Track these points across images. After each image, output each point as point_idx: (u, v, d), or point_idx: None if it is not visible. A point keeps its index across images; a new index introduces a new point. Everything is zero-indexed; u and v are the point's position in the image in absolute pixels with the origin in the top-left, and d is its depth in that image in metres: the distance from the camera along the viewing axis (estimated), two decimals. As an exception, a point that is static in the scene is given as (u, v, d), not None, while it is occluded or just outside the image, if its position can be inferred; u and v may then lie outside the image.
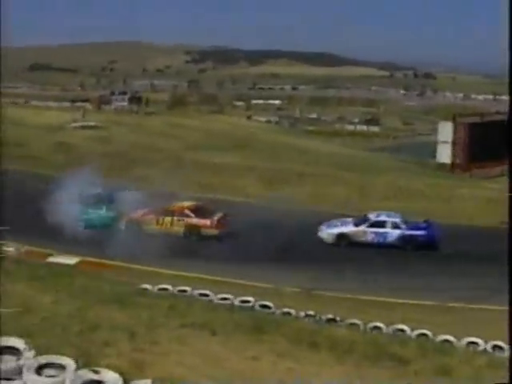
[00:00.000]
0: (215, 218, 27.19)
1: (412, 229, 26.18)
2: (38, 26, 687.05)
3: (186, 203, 28.34)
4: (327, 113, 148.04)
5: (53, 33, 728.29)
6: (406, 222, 26.46)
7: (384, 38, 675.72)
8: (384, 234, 26.19)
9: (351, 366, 8.65)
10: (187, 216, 27.23)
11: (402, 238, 26.02)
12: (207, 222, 26.95)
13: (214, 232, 26.64)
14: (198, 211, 27.64)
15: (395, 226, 26.20)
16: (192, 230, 26.95)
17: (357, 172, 44.82)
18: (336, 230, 26.85)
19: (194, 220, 27.14)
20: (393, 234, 26.13)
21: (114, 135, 55.66)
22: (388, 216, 26.81)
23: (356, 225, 26.83)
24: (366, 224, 26.53)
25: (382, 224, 26.38)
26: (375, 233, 26.28)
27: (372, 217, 26.85)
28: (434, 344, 12.08)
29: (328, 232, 26.90)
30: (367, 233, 26.39)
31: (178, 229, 26.99)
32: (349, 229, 26.79)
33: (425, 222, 27.04)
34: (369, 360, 8.90)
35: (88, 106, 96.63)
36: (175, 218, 27.25)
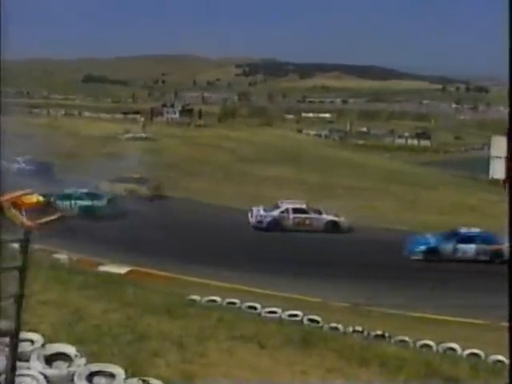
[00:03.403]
0: (43, 220, 27.23)
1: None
2: (91, 39, 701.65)
3: (35, 198, 29.06)
4: (377, 126, 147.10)
5: (106, 45, 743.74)
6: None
7: (436, 51, 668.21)
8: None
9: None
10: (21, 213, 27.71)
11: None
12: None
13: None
14: (39, 209, 28.13)
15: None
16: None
17: (407, 186, 44.41)
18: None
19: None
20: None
21: (166, 147, 56.36)
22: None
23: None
24: None
25: None
26: None
27: None
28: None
29: None
30: None
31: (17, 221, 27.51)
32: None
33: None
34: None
35: (140, 117, 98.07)
36: (17, 211, 27.91)
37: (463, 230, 27.45)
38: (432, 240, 27.07)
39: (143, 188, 36.54)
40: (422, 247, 26.61)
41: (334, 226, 30.49)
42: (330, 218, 30.76)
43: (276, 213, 30.79)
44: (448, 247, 26.44)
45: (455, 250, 26.35)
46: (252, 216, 31.01)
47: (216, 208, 33.83)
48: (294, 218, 30.59)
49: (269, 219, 30.62)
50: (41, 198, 29.28)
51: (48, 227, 26.96)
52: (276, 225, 30.33)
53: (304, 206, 31.07)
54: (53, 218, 28.10)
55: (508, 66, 4.18)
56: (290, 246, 27.52)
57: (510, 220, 4.37)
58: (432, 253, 26.29)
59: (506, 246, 25.49)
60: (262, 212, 31.09)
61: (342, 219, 30.78)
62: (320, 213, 31.08)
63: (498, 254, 25.74)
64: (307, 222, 30.44)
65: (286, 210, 30.82)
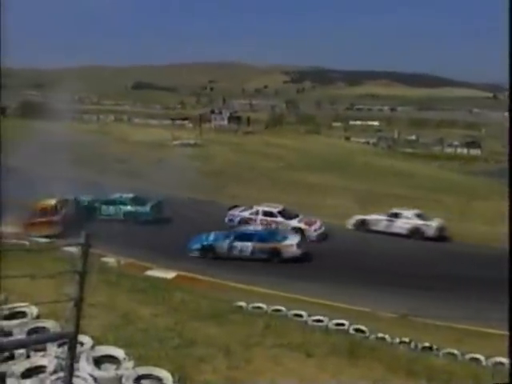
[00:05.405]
0: (30, 221, 27.85)
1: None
2: (142, 47, 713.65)
3: (47, 202, 29.59)
4: (426, 135, 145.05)
5: (156, 53, 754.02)
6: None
7: (487, 58, 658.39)
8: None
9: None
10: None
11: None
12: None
13: None
14: (41, 213, 28.61)
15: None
16: None
17: (457, 196, 43.66)
18: None
19: None
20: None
21: (213, 154, 56.69)
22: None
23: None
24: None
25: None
26: None
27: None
28: None
29: None
30: None
31: None
32: None
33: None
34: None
35: (188, 124, 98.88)
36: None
37: (243, 228, 27.98)
38: (211, 237, 27.06)
39: None
40: (199, 244, 26.62)
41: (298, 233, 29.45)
42: (297, 224, 30.20)
43: (245, 214, 31.46)
44: (224, 245, 26.28)
45: (231, 247, 26.15)
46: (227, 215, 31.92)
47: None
48: (261, 220, 30.83)
49: (238, 219, 31.34)
50: (52, 203, 29.68)
51: (35, 229, 27.31)
52: (244, 225, 30.44)
53: (275, 210, 31.16)
54: (40, 220, 28.05)
55: (508, 67, 4.14)
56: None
57: (510, 220, 4.35)
58: (208, 250, 26.27)
59: (283, 245, 25.95)
60: (236, 212, 31.87)
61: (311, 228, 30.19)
62: (294, 218, 30.88)
63: (275, 252, 25.72)
64: (273, 225, 30.38)
65: (256, 212, 31.30)
